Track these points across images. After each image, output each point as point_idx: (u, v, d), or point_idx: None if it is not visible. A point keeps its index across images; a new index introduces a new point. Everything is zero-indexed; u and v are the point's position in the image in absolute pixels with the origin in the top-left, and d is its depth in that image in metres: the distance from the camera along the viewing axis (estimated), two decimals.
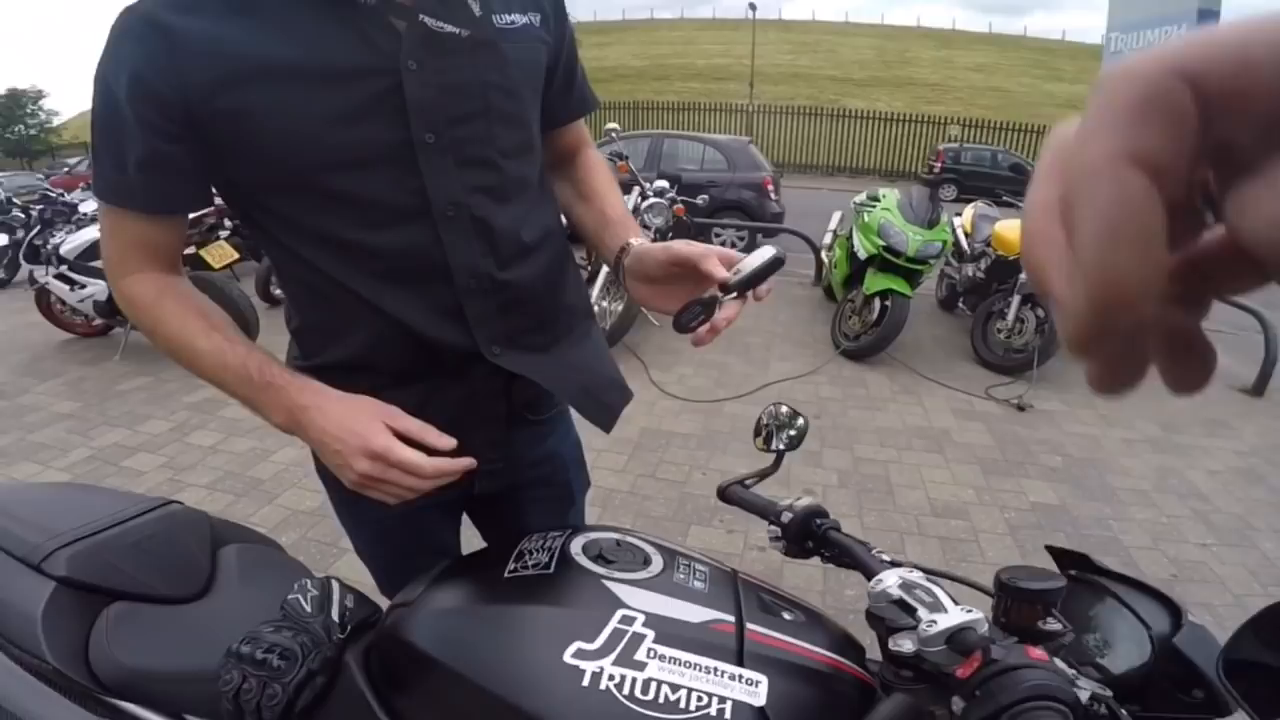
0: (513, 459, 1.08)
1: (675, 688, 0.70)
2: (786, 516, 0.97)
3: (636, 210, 5.54)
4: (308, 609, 0.87)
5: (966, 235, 5.84)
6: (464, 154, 0.86)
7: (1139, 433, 4.31)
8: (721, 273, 0.80)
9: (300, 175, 0.81)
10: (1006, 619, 0.72)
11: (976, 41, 48.36)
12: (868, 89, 37.27)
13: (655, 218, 5.58)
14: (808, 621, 0.86)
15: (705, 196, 7.11)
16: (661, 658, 0.72)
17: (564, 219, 1.09)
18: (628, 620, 0.74)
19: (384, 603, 0.99)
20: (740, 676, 0.73)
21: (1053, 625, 0.72)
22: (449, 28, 0.82)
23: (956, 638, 0.68)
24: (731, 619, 0.79)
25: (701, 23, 55.04)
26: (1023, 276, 4.92)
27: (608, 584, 0.80)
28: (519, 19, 0.89)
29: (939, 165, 18.09)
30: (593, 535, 0.90)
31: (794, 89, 33.87)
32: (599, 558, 0.85)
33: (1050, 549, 0.93)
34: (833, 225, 6.49)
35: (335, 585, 0.91)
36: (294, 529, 2.89)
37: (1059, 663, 0.65)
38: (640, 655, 0.71)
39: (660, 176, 6.29)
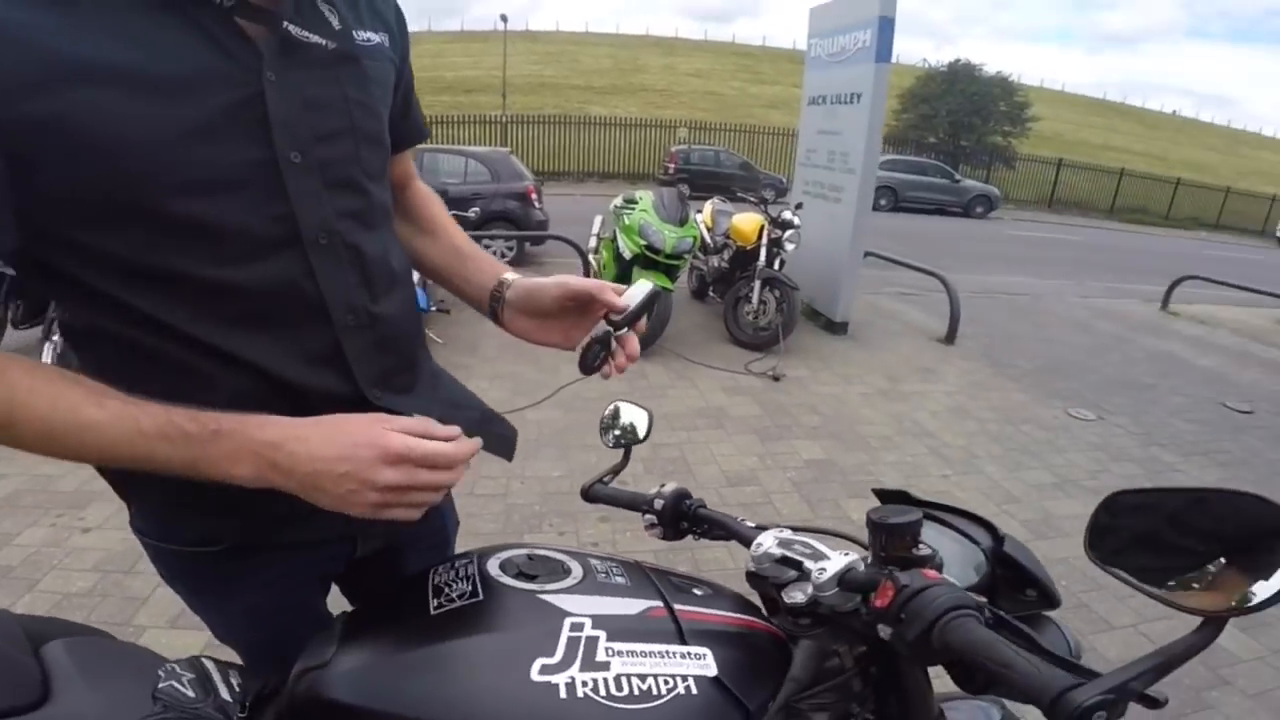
0: None
1: (643, 678, 0.72)
2: (659, 503, 1.01)
3: None
4: (190, 694, 0.73)
5: (708, 230, 6.42)
6: (332, 175, 0.78)
7: (871, 387, 5.22)
8: (620, 301, 0.85)
9: (135, 201, 0.66)
10: (885, 553, 0.76)
11: (695, 49, 52.10)
12: (607, 96, 38.75)
13: None
14: (714, 593, 0.90)
15: (476, 209, 7.04)
16: (620, 654, 0.73)
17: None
18: (578, 627, 0.75)
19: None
20: (689, 654, 0.76)
21: (924, 550, 0.76)
22: (314, 38, 0.75)
23: (847, 578, 0.73)
24: (661, 604, 0.82)
25: (449, 35, 53.68)
26: (761, 263, 5.64)
27: (544, 598, 0.79)
28: (374, 37, 0.84)
29: (673, 166, 19.32)
30: (500, 555, 0.88)
31: (542, 99, 34.39)
32: (520, 575, 0.83)
33: (876, 491, 0.99)
34: (595, 229, 6.77)
35: (209, 664, 0.76)
36: (72, 615, 2.52)
37: (949, 578, 0.70)
38: (601, 656, 0.72)
39: None
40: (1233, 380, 6.31)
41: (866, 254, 6.61)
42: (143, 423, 0.66)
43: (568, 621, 0.76)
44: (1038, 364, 6.20)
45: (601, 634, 0.75)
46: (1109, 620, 2.74)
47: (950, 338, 6.56)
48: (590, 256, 6.80)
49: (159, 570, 0.93)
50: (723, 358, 5.52)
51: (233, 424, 0.69)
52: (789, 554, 0.80)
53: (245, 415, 0.70)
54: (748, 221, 5.91)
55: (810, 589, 0.76)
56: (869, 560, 0.78)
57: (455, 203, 6.65)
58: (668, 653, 0.76)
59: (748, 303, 5.71)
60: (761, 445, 4.10)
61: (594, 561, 0.89)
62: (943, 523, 0.94)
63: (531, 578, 0.83)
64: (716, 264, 6.37)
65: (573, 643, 0.73)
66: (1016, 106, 31.89)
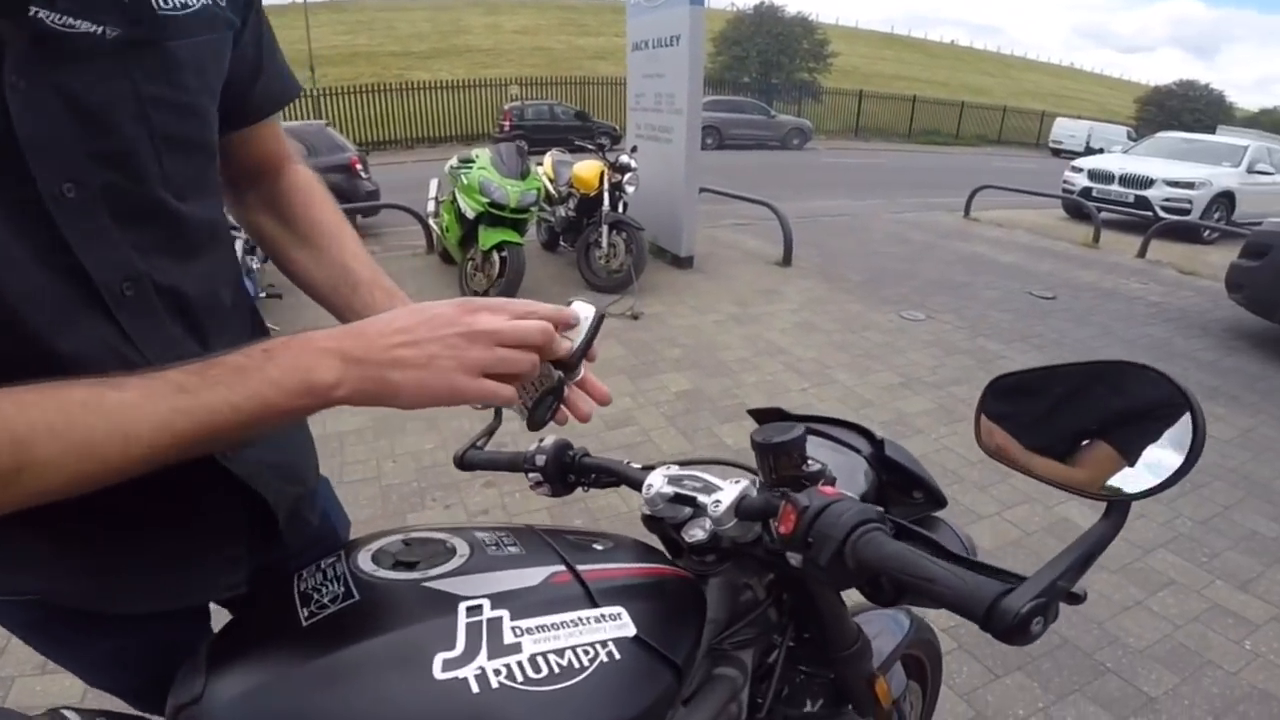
0: (278, 556, 0.83)
1: (560, 653, 0.65)
2: (541, 459, 0.93)
3: None
4: None
5: (551, 181, 6.42)
6: (124, 206, 0.59)
7: (723, 314, 5.40)
8: (565, 345, 0.65)
9: None
10: (775, 474, 0.73)
11: (519, 6, 50.29)
12: (429, 60, 36.75)
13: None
14: (615, 545, 0.84)
15: None
16: (529, 631, 0.66)
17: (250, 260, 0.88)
18: (475, 611, 0.66)
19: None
20: (604, 616, 0.70)
21: (814, 466, 0.73)
22: (83, 25, 0.53)
23: (743, 507, 0.71)
24: (563, 567, 0.75)
25: None
26: (605, 207, 5.68)
27: (430, 585, 0.70)
28: (191, 1, 0.61)
29: (508, 124, 19.01)
30: (371, 546, 0.77)
31: (357, 69, 32.11)
32: (398, 564, 0.73)
33: (751, 412, 0.96)
34: (433, 193, 6.55)
35: (72, 714, 0.67)
36: None
37: (846, 493, 0.66)
38: (509, 638, 0.65)
39: None
40: (1033, 272, 7.06)
41: (701, 190, 6.79)
42: (177, 379, 0.52)
43: (463, 607, 0.67)
44: (866, 275, 6.66)
45: (504, 613, 0.67)
46: (975, 510, 2.96)
47: (786, 260, 6.94)
48: (430, 220, 6.58)
49: (0, 621, 0.76)
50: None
51: (282, 340, 0.57)
52: (680, 490, 0.78)
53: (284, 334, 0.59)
54: (588, 169, 5.94)
55: (709, 524, 0.74)
56: (760, 484, 0.76)
57: None
58: (581, 620, 0.69)
59: (598, 248, 5.76)
60: (632, 384, 4.14)
61: (480, 535, 0.80)
62: (821, 434, 0.93)
63: (411, 565, 0.73)
64: (563, 213, 6.36)
65: (473, 629, 0.65)
66: (817, 44, 34.11)
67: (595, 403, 0.75)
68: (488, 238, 5.13)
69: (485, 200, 5.10)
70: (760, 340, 4.88)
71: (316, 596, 0.70)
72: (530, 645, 0.65)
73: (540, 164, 6.45)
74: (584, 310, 0.68)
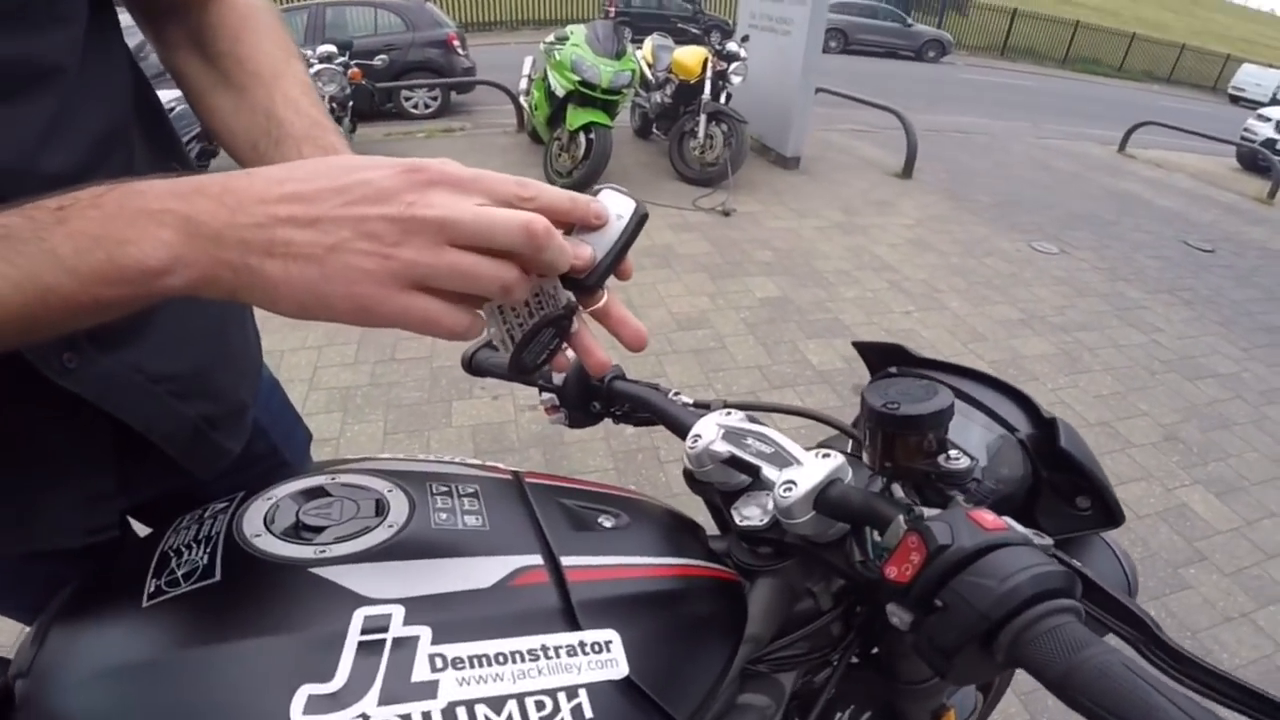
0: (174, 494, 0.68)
1: (497, 704, 0.44)
2: (559, 377, 0.76)
3: None
4: None
5: (649, 66, 6.11)
6: None
7: (826, 220, 4.94)
8: (584, 251, 0.43)
9: None
10: (893, 461, 0.53)
11: None
12: None
13: (327, 86, 5.05)
14: (630, 520, 0.63)
15: (384, 57, 6.61)
16: (456, 664, 0.45)
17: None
18: (378, 625, 0.46)
19: None
20: (582, 645, 0.49)
21: (958, 462, 0.52)
22: None
23: (830, 500, 0.52)
24: (539, 560, 0.54)
25: None
26: (706, 96, 5.31)
27: (321, 573, 0.49)
28: None
29: (613, 10, 18.51)
30: (279, 491, 0.57)
31: None
32: (297, 530, 0.53)
33: (858, 345, 0.75)
34: (526, 70, 6.40)
35: None
36: None
37: (1014, 524, 0.45)
38: (420, 674, 0.44)
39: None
40: (1193, 220, 6.20)
41: (818, 90, 6.32)
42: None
43: (359, 616, 0.46)
44: (997, 198, 6.00)
45: (423, 632, 0.46)
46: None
47: (907, 172, 6.37)
48: (521, 99, 6.48)
49: None
50: (669, 194, 5.21)
51: (100, 189, 0.37)
52: (740, 454, 0.58)
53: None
54: (691, 55, 5.63)
55: (770, 505, 0.56)
56: (864, 461, 0.56)
57: (363, 56, 6.27)
58: (546, 649, 0.48)
59: (693, 138, 5.42)
60: (713, 284, 3.83)
61: (437, 487, 0.58)
62: (957, 394, 0.60)
63: (314, 532, 0.52)
64: (659, 100, 6.03)
65: (367, 655, 0.44)
66: None
67: (626, 344, 0.48)
68: (575, 118, 4.93)
69: (576, 78, 4.90)
70: (865, 253, 4.44)
71: (174, 564, 0.52)
72: (452, 689, 0.44)
73: (640, 47, 6.22)
74: (616, 203, 0.45)
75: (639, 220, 0.45)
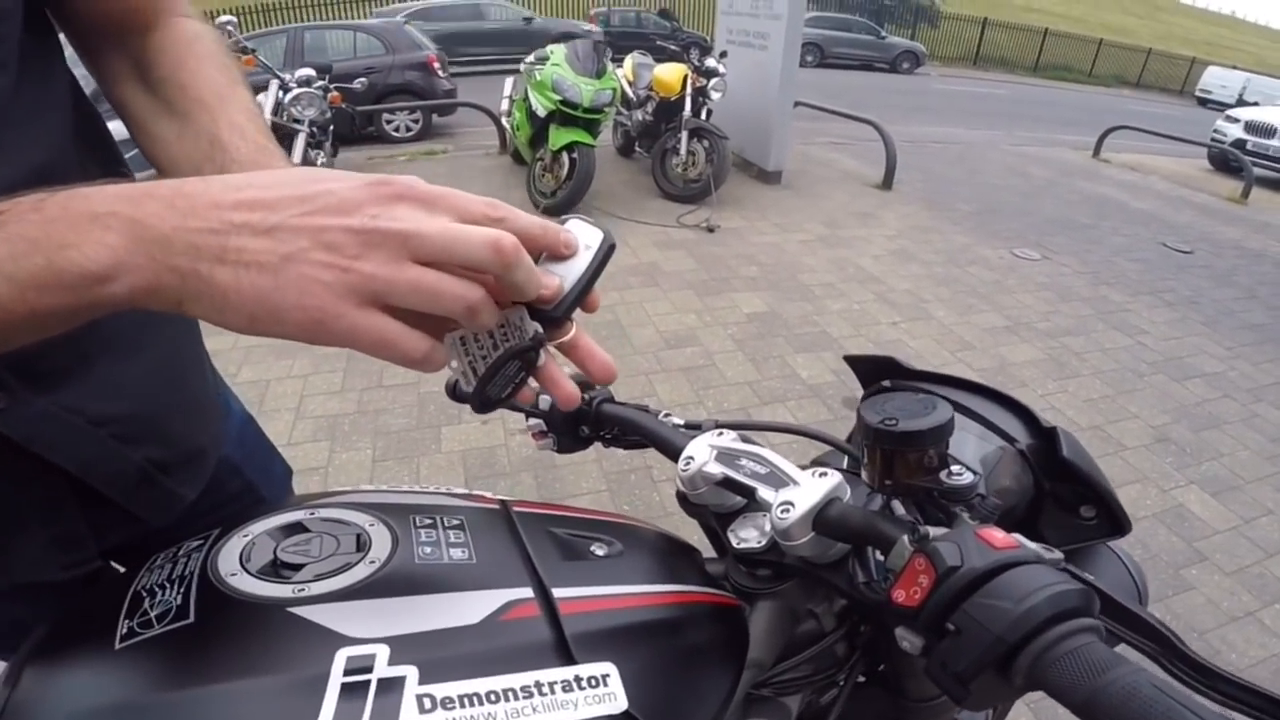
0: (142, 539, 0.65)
1: None
2: (547, 401, 0.73)
3: (279, 107, 4.91)
4: None
5: (630, 84, 6.13)
6: None
7: (810, 234, 4.96)
8: (551, 282, 0.42)
9: None
10: (892, 478, 0.51)
11: None
12: None
13: (306, 109, 5.01)
14: (623, 547, 0.61)
15: (363, 80, 6.60)
16: (446, 704, 0.43)
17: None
18: (361, 666, 0.43)
19: None
20: (578, 680, 0.47)
21: (961, 477, 0.50)
22: None
23: (829, 520, 0.51)
24: (529, 593, 0.52)
25: None
26: (687, 113, 5.33)
27: (300, 613, 0.47)
28: None
29: (593, 29, 18.61)
30: (256, 528, 0.55)
31: None
32: (275, 567, 0.51)
33: (850, 359, 0.73)
34: (507, 91, 6.39)
35: None
36: None
37: (1025, 541, 0.44)
38: (408, 716, 0.42)
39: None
40: (1169, 222, 6.28)
41: (796, 104, 6.38)
42: None
43: (342, 657, 0.43)
44: (977, 207, 6.05)
45: (410, 672, 0.43)
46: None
47: (887, 184, 6.42)
48: (503, 120, 6.48)
49: None
50: (653, 212, 5.21)
51: (42, 195, 0.35)
52: (733, 475, 0.56)
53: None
54: (671, 71, 5.66)
55: (768, 527, 0.54)
56: (862, 478, 0.53)
57: (342, 77, 6.25)
58: (540, 686, 0.45)
59: (675, 154, 5.45)
60: (699, 301, 3.83)
61: (420, 520, 0.56)
62: (954, 406, 0.59)
63: (293, 570, 0.50)
64: (640, 118, 6.05)
65: (351, 697, 0.41)
66: None
67: (594, 378, 0.47)
68: (558, 137, 4.93)
69: (557, 98, 4.89)
70: (850, 265, 4.46)
71: (147, 604, 0.49)
72: None
73: (620, 66, 6.22)
74: (585, 233, 0.44)
75: (607, 251, 0.44)
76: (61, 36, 0.59)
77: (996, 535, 0.42)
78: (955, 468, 0.50)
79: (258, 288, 0.34)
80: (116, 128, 0.63)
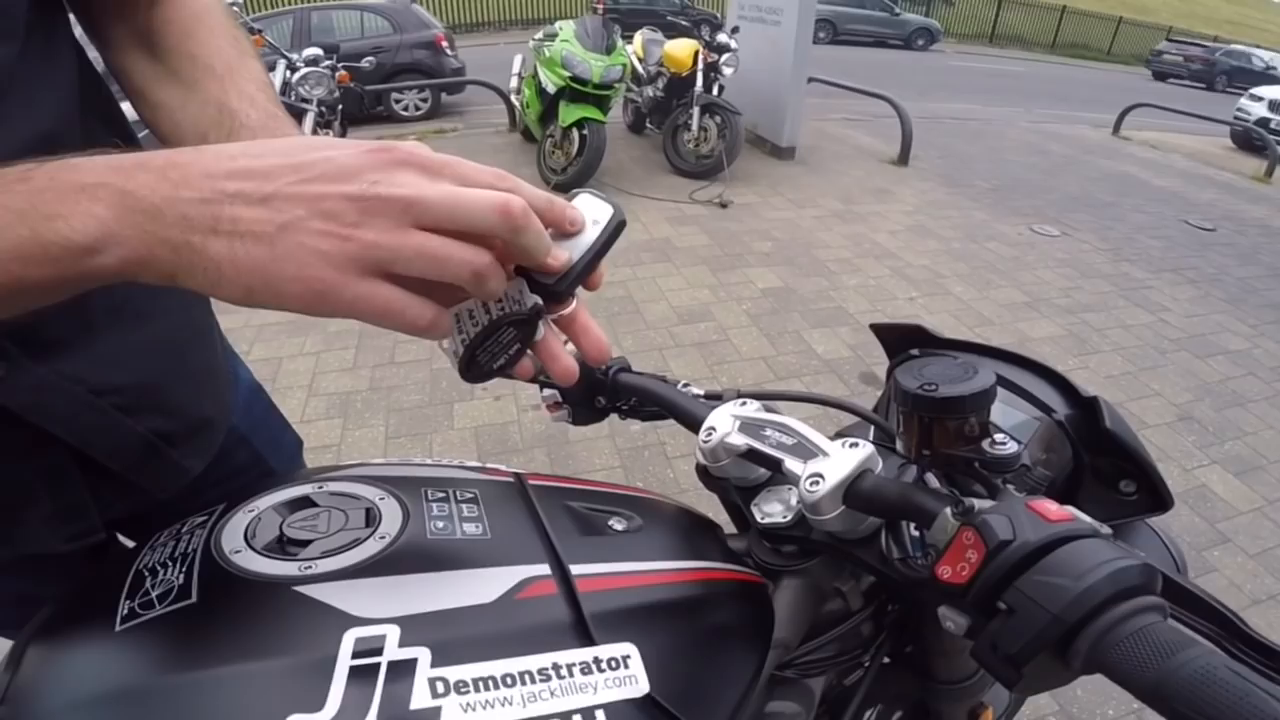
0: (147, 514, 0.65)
1: None
2: None
3: (287, 86, 4.87)
4: None
5: (640, 60, 6.07)
6: None
7: (825, 209, 4.89)
8: (560, 255, 0.40)
9: None
10: (928, 447, 0.48)
11: None
12: None
13: (314, 89, 4.98)
14: (643, 522, 0.58)
15: (371, 59, 6.55)
16: (460, 688, 0.41)
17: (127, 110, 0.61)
18: (371, 647, 0.41)
19: None
20: (598, 662, 0.45)
21: (1006, 447, 0.46)
22: None
23: (862, 493, 0.48)
24: (546, 569, 0.50)
25: None
26: (698, 88, 5.26)
27: (307, 591, 0.45)
28: None
29: (601, 7, 18.45)
30: (262, 502, 0.53)
31: None
32: (281, 544, 0.49)
33: (875, 327, 0.71)
34: (516, 69, 6.34)
35: None
36: None
37: (1080, 514, 0.41)
38: (420, 700, 0.40)
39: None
40: (1192, 200, 6.16)
41: (810, 79, 6.26)
42: None
43: (351, 638, 0.41)
44: (995, 183, 5.95)
45: (422, 654, 0.42)
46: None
47: (903, 159, 6.33)
48: (513, 97, 6.42)
49: None
50: (665, 188, 5.16)
51: (31, 164, 0.33)
52: (758, 446, 0.54)
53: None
54: (681, 47, 5.53)
55: (794, 501, 0.54)
56: (896, 449, 0.52)
57: (349, 57, 6.20)
58: (558, 668, 0.44)
59: (687, 130, 5.38)
60: (713, 276, 3.78)
61: (433, 493, 0.54)
62: (1006, 380, 0.61)
63: (298, 545, 0.48)
64: (651, 94, 5.99)
65: (360, 679, 0.40)
66: None
67: (585, 355, 0.45)
68: (568, 114, 4.87)
69: (567, 74, 4.82)
70: (865, 241, 4.39)
71: (149, 584, 0.47)
72: (455, 715, 0.40)
73: (630, 42, 6.15)
74: (594, 208, 0.42)
75: (616, 227, 0.42)
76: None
77: (1050, 507, 0.40)
78: (999, 436, 0.47)
79: (254, 259, 0.33)
80: (130, 109, 0.62)
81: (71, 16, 0.57)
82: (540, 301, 0.42)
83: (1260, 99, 9.90)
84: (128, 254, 0.33)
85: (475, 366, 0.43)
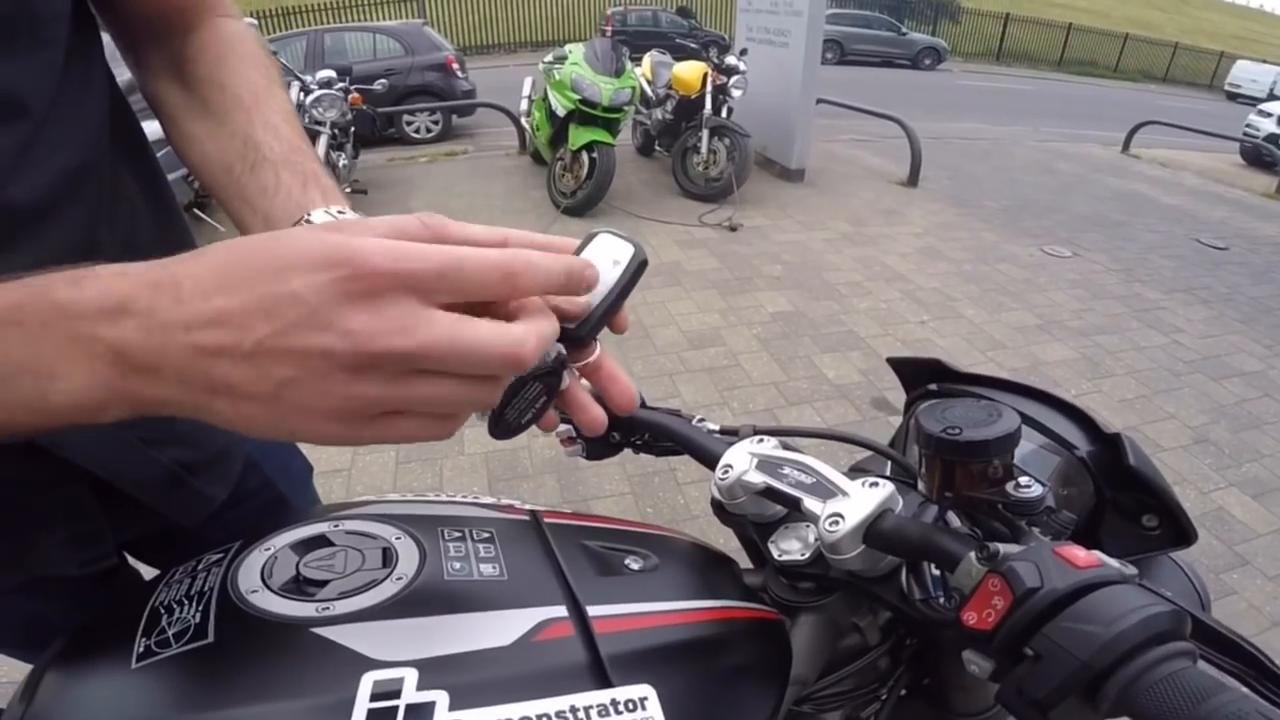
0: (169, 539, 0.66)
1: None
2: None
3: (301, 108, 4.93)
4: None
5: (649, 82, 6.12)
6: None
7: (835, 232, 4.90)
8: (579, 299, 0.40)
9: None
10: (950, 489, 0.48)
11: None
12: None
13: (328, 111, 5.03)
14: (659, 560, 0.58)
15: (383, 81, 6.63)
16: None
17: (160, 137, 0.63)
18: (389, 690, 0.41)
19: None
20: (615, 704, 0.45)
21: (1030, 489, 0.46)
22: None
23: (882, 534, 0.48)
24: (563, 611, 0.49)
25: None
26: (707, 110, 5.30)
27: (325, 633, 0.45)
28: None
29: (609, 29, 18.67)
30: (278, 541, 0.53)
31: None
32: (298, 584, 0.48)
33: (892, 361, 0.71)
34: (526, 91, 6.42)
35: None
36: None
37: (1110, 560, 0.41)
38: None
39: None
40: (1203, 218, 6.14)
41: (818, 101, 6.32)
42: None
43: (369, 681, 0.41)
44: (1005, 204, 5.96)
45: (440, 697, 0.41)
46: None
47: (913, 180, 6.34)
48: (523, 120, 6.51)
49: None
50: (674, 211, 5.19)
51: (21, 283, 0.32)
52: (775, 484, 0.53)
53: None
54: (690, 70, 5.64)
55: (812, 539, 0.53)
56: (917, 488, 0.52)
57: (362, 79, 6.31)
58: (575, 711, 0.43)
59: (696, 153, 5.42)
60: (723, 300, 3.78)
61: (449, 533, 0.54)
62: (1027, 416, 0.59)
63: (316, 586, 0.47)
64: (660, 116, 6.04)
65: None
66: None
67: (613, 405, 0.45)
68: (577, 137, 4.94)
69: (576, 97, 4.89)
70: (876, 264, 4.40)
71: (165, 622, 0.47)
72: None
73: (638, 65, 6.20)
74: (614, 248, 0.41)
75: (638, 266, 0.41)
76: (105, 36, 0.58)
77: (1078, 554, 0.40)
78: (1023, 479, 0.47)
79: (262, 418, 0.32)
80: (151, 128, 0.63)
81: (105, 38, 0.57)
82: (564, 350, 0.40)
83: (1269, 115, 9.88)
84: (137, 408, 0.33)
85: (503, 423, 0.42)
